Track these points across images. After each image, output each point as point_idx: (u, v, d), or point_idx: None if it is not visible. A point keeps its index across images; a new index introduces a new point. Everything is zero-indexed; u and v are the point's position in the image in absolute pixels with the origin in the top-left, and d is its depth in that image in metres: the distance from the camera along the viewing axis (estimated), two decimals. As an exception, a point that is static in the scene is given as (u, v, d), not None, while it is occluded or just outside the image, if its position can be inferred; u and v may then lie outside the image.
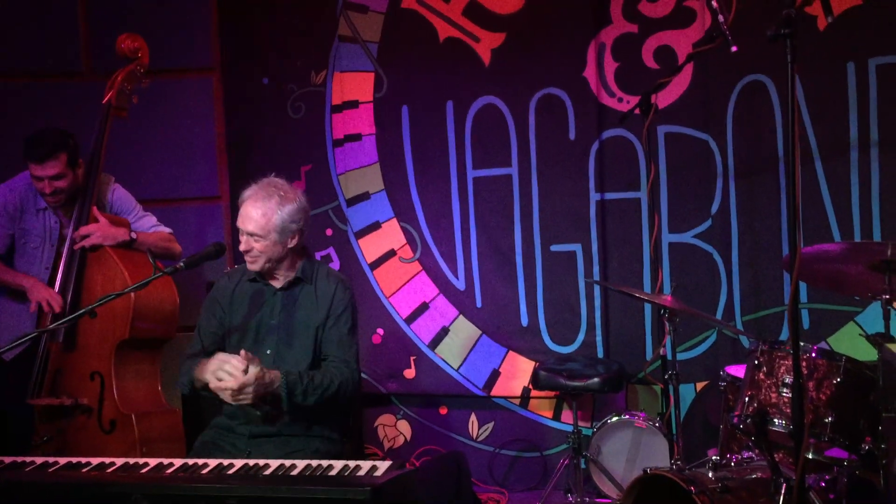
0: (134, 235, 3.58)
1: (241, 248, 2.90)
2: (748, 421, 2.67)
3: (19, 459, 2.50)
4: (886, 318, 2.45)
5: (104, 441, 3.29)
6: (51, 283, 3.50)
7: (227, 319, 2.99)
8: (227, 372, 2.67)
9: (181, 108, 4.66)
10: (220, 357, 2.73)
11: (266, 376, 2.70)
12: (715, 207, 4.14)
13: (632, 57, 4.21)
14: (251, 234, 2.87)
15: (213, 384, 2.69)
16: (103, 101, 3.60)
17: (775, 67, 3.89)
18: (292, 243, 2.92)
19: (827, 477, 2.71)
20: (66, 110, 4.29)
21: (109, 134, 3.61)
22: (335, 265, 4.62)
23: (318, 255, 4.57)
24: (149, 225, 3.76)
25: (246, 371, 2.66)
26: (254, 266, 2.92)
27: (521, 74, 4.35)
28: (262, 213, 2.85)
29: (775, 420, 2.64)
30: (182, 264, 2.83)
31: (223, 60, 4.72)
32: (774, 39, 2.10)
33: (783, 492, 2.48)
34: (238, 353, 2.86)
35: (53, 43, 4.52)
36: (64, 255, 3.49)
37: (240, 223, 2.89)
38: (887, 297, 2.42)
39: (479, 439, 4.52)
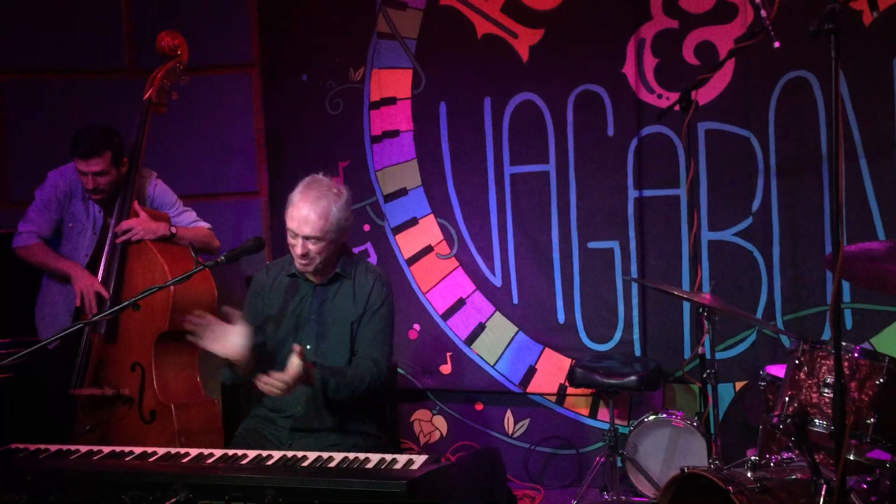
0: (174, 230, 3.64)
1: (298, 251, 2.83)
2: (788, 421, 2.63)
3: (64, 447, 2.55)
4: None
5: (144, 431, 3.35)
6: (92, 270, 3.56)
7: (265, 312, 3.00)
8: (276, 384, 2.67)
9: (220, 104, 4.71)
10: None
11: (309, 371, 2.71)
12: (756, 205, 4.09)
13: (672, 53, 4.17)
14: (308, 238, 2.81)
15: (264, 381, 2.66)
16: (143, 98, 3.66)
17: (819, 63, 3.83)
18: (342, 240, 2.92)
19: (868, 479, 2.66)
20: (109, 106, 4.36)
21: (149, 129, 3.67)
22: (372, 261, 4.64)
23: (355, 251, 4.60)
24: (189, 220, 3.81)
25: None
26: (308, 268, 2.89)
27: (559, 71, 4.34)
28: (318, 216, 2.80)
29: (816, 420, 2.60)
30: (223, 258, 2.86)
31: (262, 57, 4.77)
32: (817, 35, 2.07)
33: (823, 493, 2.44)
34: (276, 346, 2.91)
35: (97, 39, 4.60)
36: (106, 247, 3.55)
37: (294, 227, 2.82)
38: (933, 296, 2.38)
39: (515, 436, 4.51)
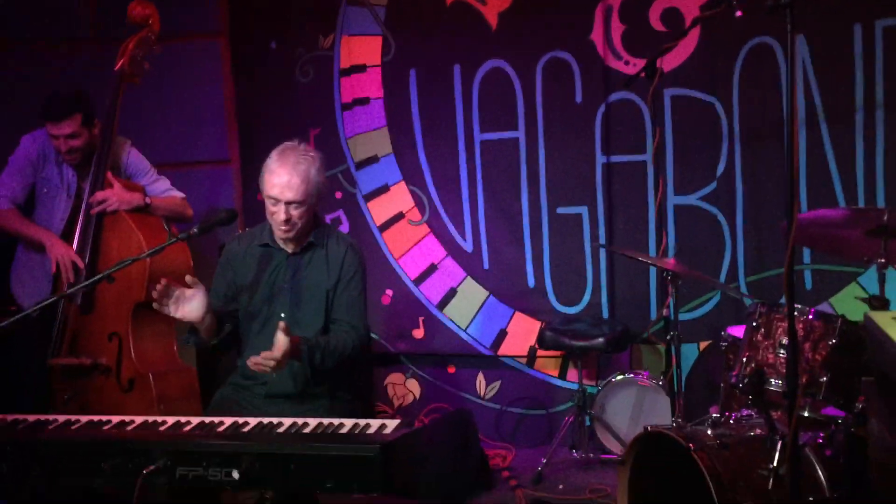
0: (148, 200, 3.65)
1: (280, 218, 2.83)
2: (746, 381, 2.74)
3: (42, 418, 2.57)
4: (882, 282, 2.51)
5: (123, 400, 3.39)
6: (66, 239, 3.57)
7: (237, 282, 3.02)
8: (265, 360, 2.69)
9: (190, 73, 4.70)
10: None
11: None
12: (720, 170, 4.17)
13: (639, 20, 4.21)
14: (290, 203, 2.82)
15: (254, 362, 2.68)
16: (115, 69, 3.64)
17: (782, 30, 3.86)
18: (317, 206, 2.95)
19: (822, 434, 2.77)
20: (77, 75, 4.33)
21: (122, 100, 3.66)
22: (344, 228, 4.69)
23: (327, 218, 4.64)
24: (162, 189, 3.82)
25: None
26: (290, 234, 2.90)
27: (528, 38, 4.37)
28: (301, 180, 2.81)
29: (772, 380, 2.71)
30: (195, 230, 2.88)
31: (231, 25, 4.74)
32: (773, 12, 2.13)
33: (779, 449, 2.56)
34: (250, 316, 2.95)
35: (62, 9, 4.55)
36: (80, 216, 3.56)
37: (276, 193, 2.81)
38: (883, 261, 2.47)
39: (487, 397, 4.62)
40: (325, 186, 2.92)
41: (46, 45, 4.55)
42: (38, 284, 3.63)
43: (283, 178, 2.81)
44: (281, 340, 2.67)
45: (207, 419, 2.48)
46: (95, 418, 2.54)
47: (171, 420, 2.47)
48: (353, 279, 2.99)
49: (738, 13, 3.12)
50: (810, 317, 2.70)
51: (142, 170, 3.81)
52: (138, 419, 2.50)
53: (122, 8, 3.73)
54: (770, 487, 2.52)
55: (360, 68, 4.63)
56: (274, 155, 2.89)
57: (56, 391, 3.47)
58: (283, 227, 2.88)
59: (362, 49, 4.62)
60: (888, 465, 1.95)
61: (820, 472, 2.61)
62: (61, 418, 2.55)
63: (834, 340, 2.65)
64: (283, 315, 2.94)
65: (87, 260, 3.51)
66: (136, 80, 3.69)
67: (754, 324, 2.81)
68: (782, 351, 2.69)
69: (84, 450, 2.32)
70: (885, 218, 2.42)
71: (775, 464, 2.53)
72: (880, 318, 1.97)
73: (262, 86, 4.76)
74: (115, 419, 2.51)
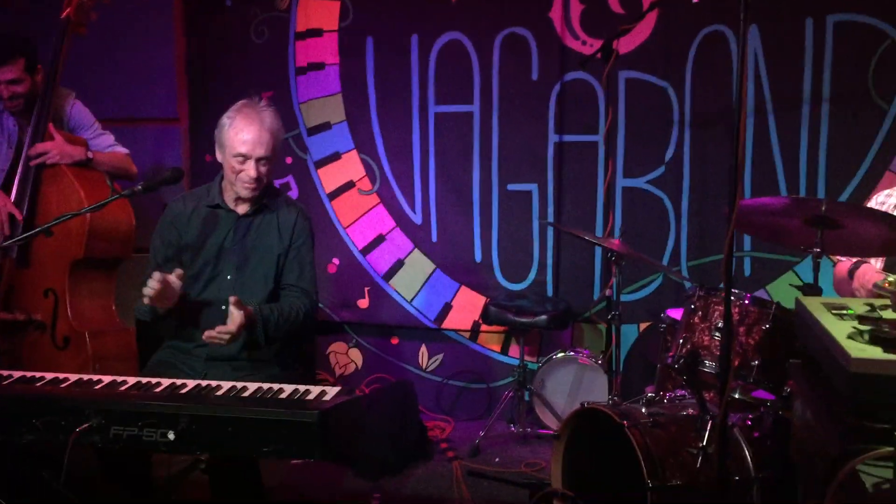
0: (90, 155, 3.57)
1: (251, 175, 2.80)
2: (681, 361, 2.81)
3: (-28, 372, 2.53)
4: (816, 270, 2.58)
5: (58, 357, 3.33)
6: (6, 189, 3.49)
7: (182, 243, 2.97)
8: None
9: (141, 27, 4.59)
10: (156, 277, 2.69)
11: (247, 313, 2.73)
12: (669, 154, 4.23)
13: (597, 0, 4.23)
14: (261, 159, 2.80)
15: (208, 334, 2.68)
16: (61, 16, 3.54)
17: (736, 19, 3.92)
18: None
19: (751, 416, 2.86)
20: (18, 23, 4.20)
21: (67, 49, 3.56)
22: (294, 194, 4.64)
23: (277, 183, 4.59)
24: (106, 144, 3.74)
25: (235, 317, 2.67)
26: (255, 193, 2.87)
27: (486, 12, 4.36)
28: (271, 134, 2.80)
29: (706, 362, 2.78)
30: (139, 188, 2.83)
31: (185, -21, 4.64)
32: (728, -3, 2.15)
33: (709, 429, 2.63)
34: (194, 277, 2.91)
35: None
36: (20, 168, 3.47)
37: (247, 150, 2.79)
38: (818, 250, 2.54)
39: (429, 370, 4.65)
40: (284, 144, 2.89)
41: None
42: None
43: (253, 134, 2.79)
44: (235, 314, 2.67)
45: (144, 379, 2.46)
46: (29, 374, 2.49)
47: (106, 379, 2.45)
48: (304, 245, 2.98)
49: (695, 0, 3.14)
50: (746, 301, 2.77)
51: (85, 123, 3.72)
52: (73, 377, 2.46)
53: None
54: (698, 466, 2.59)
55: (317, 32, 4.57)
56: (235, 112, 2.85)
57: (-12, 346, 3.40)
58: (251, 185, 2.85)
59: (320, 13, 4.55)
60: (808, 445, 2.02)
61: (747, 453, 2.69)
62: (-7, 373, 2.50)
63: (767, 325, 2.72)
64: (228, 277, 2.91)
65: (24, 213, 3.43)
66: (82, 31, 3.59)
67: (692, 306, 2.87)
68: (717, 334, 2.76)
69: (16, 406, 2.27)
70: (823, 209, 2.48)
71: (704, 443, 2.60)
72: (810, 302, 2.03)
73: (215, 44, 4.67)
74: (49, 376, 2.47)
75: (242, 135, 2.80)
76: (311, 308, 2.94)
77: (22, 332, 3.40)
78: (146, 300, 2.70)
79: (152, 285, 2.67)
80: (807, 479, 2.11)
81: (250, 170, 2.82)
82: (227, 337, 2.67)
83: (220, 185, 2.99)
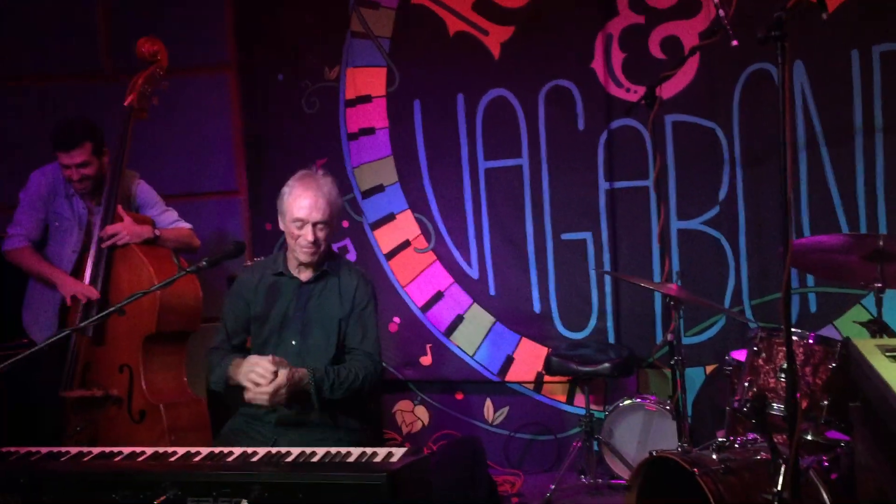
0: (157, 232, 3.72)
1: (308, 239, 2.90)
2: (748, 405, 2.77)
3: (55, 449, 2.61)
4: (879, 305, 2.53)
5: (134, 430, 3.42)
6: (77, 271, 3.64)
7: (250, 312, 3.07)
8: (258, 374, 2.76)
9: (199, 105, 4.77)
10: (252, 360, 2.82)
11: (295, 375, 2.81)
12: (722, 194, 4.21)
13: (639, 47, 4.28)
14: (318, 223, 2.91)
15: (248, 396, 2.78)
16: (125, 104, 3.73)
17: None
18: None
19: (827, 458, 2.79)
20: (87, 109, 4.40)
21: (131, 134, 3.74)
22: (352, 256, 4.74)
23: (335, 247, 4.69)
24: (171, 220, 3.89)
25: (276, 374, 2.76)
26: (315, 257, 2.96)
27: (530, 67, 4.44)
28: (327, 201, 2.92)
29: (774, 404, 2.74)
30: (204, 263, 2.93)
31: (239, 57, 4.83)
32: (764, 42, 2.18)
33: (782, 473, 2.58)
34: (261, 345, 2.99)
35: (74, 44, 4.64)
36: (92, 249, 3.62)
37: (304, 215, 2.90)
38: (879, 285, 2.50)
39: (495, 423, 4.63)
40: (342, 210, 2.99)
41: (60, 79, 4.63)
42: (49, 318, 3.70)
43: (310, 200, 2.91)
44: (278, 376, 2.75)
45: (217, 449, 2.52)
46: (107, 449, 2.58)
47: (181, 450, 2.51)
48: (367, 309, 3.04)
49: (734, 42, 3.17)
50: (810, 341, 2.73)
51: (151, 202, 3.88)
52: (149, 450, 2.54)
53: (133, 42, 3.82)
54: (774, 512, 2.53)
55: (366, 99, 4.70)
56: (294, 181, 2.98)
57: (68, 423, 3.51)
58: (309, 249, 2.94)
59: (367, 80, 4.69)
60: (870, 487, 1.97)
61: (825, 495, 2.63)
62: (73, 450, 2.60)
63: (834, 364, 2.67)
64: (293, 343, 2.99)
65: (100, 293, 3.57)
66: (144, 115, 3.77)
67: (755, 348, 2.84)
68: (783, 375, 2.71)
69: (96, 481, 2.35)
70: (881, 243, 2.45)
71: (779, 488, 2.55)
72: (863, 345, 2.00)
73: (269, 117, 4.83)
74: (126, 450, 2.55)
75: (300, 201, 2.91)
76: (374, 370, 2.99)
77: (100, 408, 3.51)
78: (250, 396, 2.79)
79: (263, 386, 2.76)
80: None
81: (308, 234, 2.91)
82: (264, 396, 2.74)
83: (284, 254, 3.10)
